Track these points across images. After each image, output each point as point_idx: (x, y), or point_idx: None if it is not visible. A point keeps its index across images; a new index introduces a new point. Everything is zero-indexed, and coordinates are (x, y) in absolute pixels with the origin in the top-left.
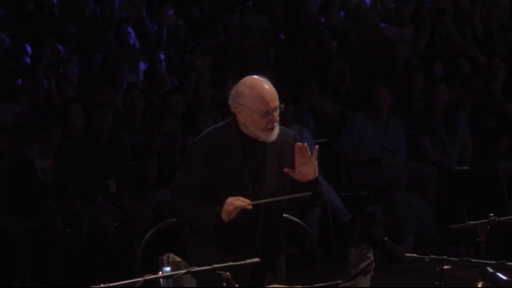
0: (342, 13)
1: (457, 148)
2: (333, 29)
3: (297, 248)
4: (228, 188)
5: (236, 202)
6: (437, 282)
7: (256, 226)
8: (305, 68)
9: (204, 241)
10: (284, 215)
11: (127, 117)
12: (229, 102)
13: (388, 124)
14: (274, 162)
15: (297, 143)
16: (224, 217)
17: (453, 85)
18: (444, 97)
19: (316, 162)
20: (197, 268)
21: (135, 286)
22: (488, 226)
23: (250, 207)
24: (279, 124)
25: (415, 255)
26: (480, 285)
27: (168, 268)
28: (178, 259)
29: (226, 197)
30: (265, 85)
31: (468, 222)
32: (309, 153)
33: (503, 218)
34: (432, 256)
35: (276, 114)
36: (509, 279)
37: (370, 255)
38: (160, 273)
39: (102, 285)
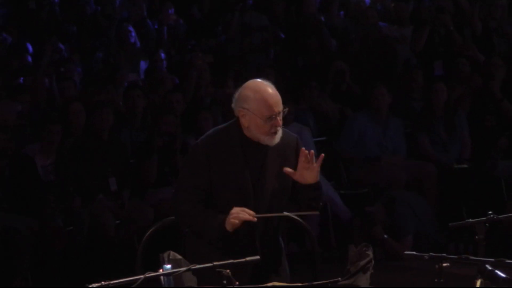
0: (342, 12)
1: (456, 146)
2: (333, 28)
3: (297, 246)
4: (228, 189)
5: (242, 215)
6: (436, 280)
7: (256, 226)
8: (305, 67)
9: (204, 240)
10: (284, 213)
11: (127, 115)
12: (233, 106)
13: (388, 123)
14: (275, 165)
15: (303, 149)
16: (228, 227)
17: (452, 84)
18: (443, 96)
19: (319, 168)
20: (198, 266)
21: (136, 283)
22: (487, 224)
23: (255, 219)
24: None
25: (414, 252)
26: (478, 282)
27: (168, 266)
28: (179, 256)
29: (227, 198)
30: (269, 89)
31: (467, 220)
32: (314, 160)
33: (501, 216)
34: (431, 253)
35: (280, 118)
36: (508, 276)
37: (370, 252)
38: (161, 270)
39: (102, 283)
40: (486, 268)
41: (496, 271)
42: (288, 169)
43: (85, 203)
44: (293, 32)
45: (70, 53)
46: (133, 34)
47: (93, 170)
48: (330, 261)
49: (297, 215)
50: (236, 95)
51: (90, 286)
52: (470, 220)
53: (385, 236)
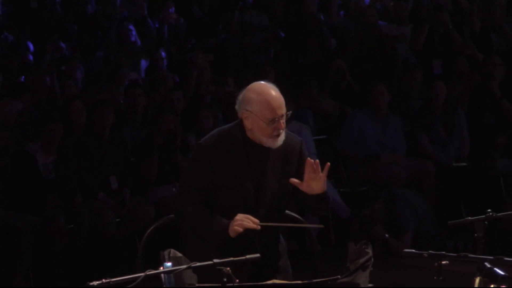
0: (341, 11)
1: (455, 144)
2: (333, 27)
3: (297, 243)
4: (229, 190)
5: (246, 223)
6: (435, 278)
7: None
8: (305, 66)
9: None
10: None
11: (128, 114)
12: (236, 107)
13: (387, 121)
14: (277, 167)
15: (309, 159)
16: (232, 234)
17: (451, 82)
18: (442, 95)
19: (325, 178)
20: (198, 264)
21: (136, 281)
22: (486, 222)
23: (259, 227)
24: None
25: (413, 250)
26: (477, 280)
27: (169, 264)
28: (179, 254)
29: (227, 199)
30: (273, 92)
31: (466, 218)
32: (320, 170)
33: (500, 214)
34: (430, 251)
35: (283, 121)
36: (507, 274)
37: (369, 250)
38: (161, 268)
39: (103, 280)
40: (485, 266)
41: (495, 269)
42: (294, 180)
43: (86, 201)
44: (293, 31)
45: (71, 52)
46: (134, 33)
47: (94, 168)
48: (330, 259)
49: (301, 227)
50: (240, 97)
51: (91, 283)
52: (469, 218)
53: (386, 235)
